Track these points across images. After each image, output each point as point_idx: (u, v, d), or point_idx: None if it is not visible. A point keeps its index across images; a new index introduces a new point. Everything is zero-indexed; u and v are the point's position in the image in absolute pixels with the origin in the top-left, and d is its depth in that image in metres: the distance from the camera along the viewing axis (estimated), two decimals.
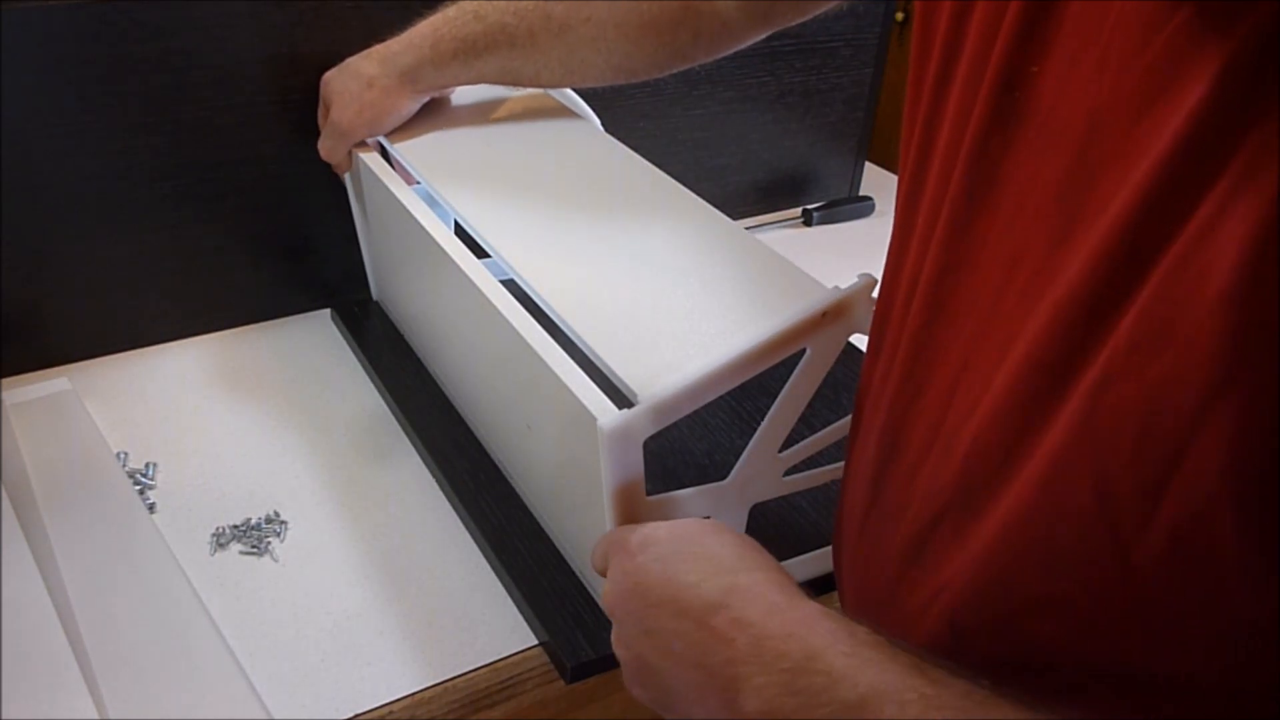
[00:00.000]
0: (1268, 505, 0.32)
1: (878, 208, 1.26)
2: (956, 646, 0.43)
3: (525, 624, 0.68)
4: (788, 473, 0.66)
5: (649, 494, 0.58)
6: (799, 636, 0.40)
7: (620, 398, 0.56)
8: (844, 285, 0.59)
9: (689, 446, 0.82)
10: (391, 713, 0.62)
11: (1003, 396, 0.40)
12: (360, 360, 0.94)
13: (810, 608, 0.42)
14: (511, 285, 0.68)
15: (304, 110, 0.90)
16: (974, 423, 0.42)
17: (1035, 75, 0.39)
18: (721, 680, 0.42)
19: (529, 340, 0.62)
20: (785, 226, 1.22)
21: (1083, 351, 0.37)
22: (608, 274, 0.65)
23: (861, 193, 1.29)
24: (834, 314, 0.58)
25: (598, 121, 0.90)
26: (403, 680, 0.64)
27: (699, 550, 0.47)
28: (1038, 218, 0.40)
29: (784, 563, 0.69)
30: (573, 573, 0.70)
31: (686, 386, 0.55)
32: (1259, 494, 0.32)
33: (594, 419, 0.55)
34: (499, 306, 0.65)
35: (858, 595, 0.54)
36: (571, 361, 0.60)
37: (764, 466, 0.64)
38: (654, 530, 0.49)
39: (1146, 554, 0.35)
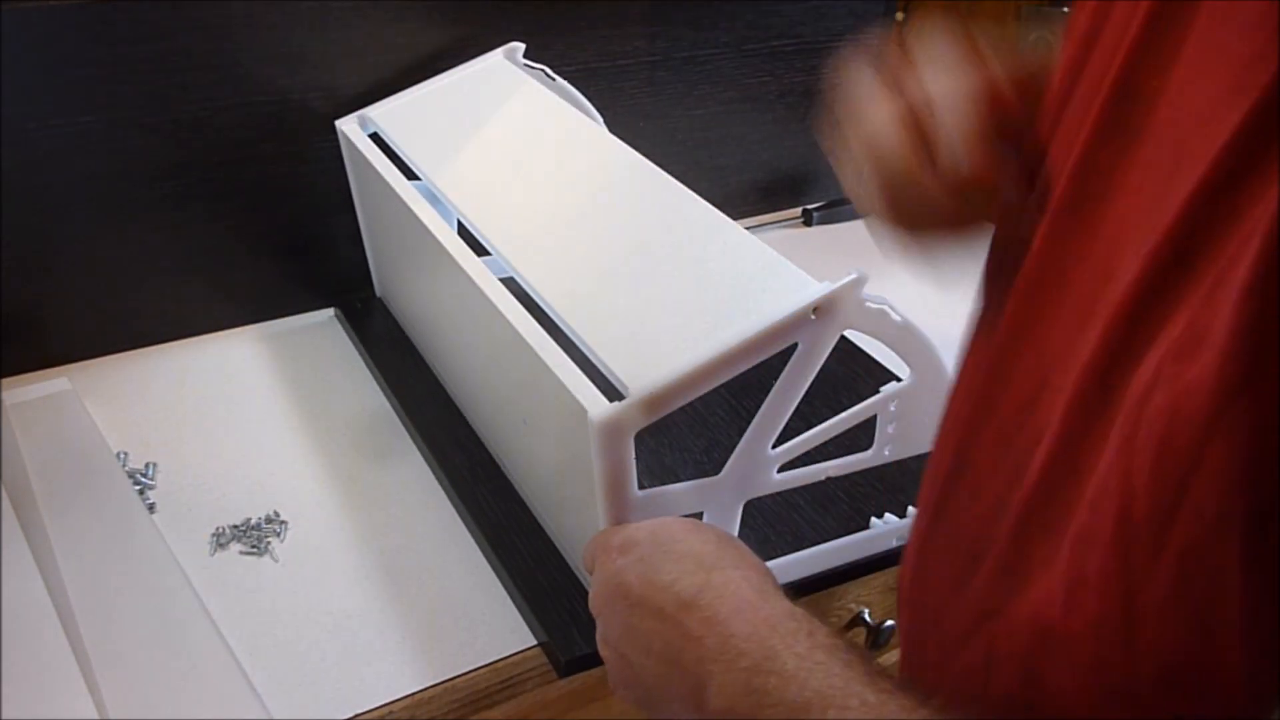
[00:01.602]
0: (1270, 533, 0.30)
1: None
2: (988, 678, 0.41)
3: (525, 624, 0.68)
4: (782, 469, 0.66)
5: (643, 488, 0.58)
6: (759, 636, 0.41)
7: (613, 391, 0.57)
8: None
9: (687, 443, 0.82)
10: (391, 713, 0.62)
11: (1065, 415, 0.38)
12: (363, 358, 0.94)
13: (779, 606, 0.43)
14: (511, 283, 0.68)
15: (304, 110, 0.90)
16: (1044, 446, 0.39)
17: (1155, 89, 0.37)
18: (693, 678, 0.43)
19: (523, 334, 0.62)
20: (785, 226, 1.22)
21: (1128, 362, 0.35)
22: (602, 269, 0.65)
23: None
24: (824, 309, 0.58)
25: (599, 120, 0.90)
26: (403, 680, 0.64)
27: (678, 549, 0.48)
28: (1135, 231, 0.37)
29: (780, 560, 0.69)
30: (568, 568, 0.70)
31: (676, 379, 0.55)
32: (1266, 516, 0.30)
33: (585, 411, 0.55)
34: (495, 301, 0.66)
35: (911, 619, 0.52)
36: (565, 355, 0.61)
37: (756, 462, 0.63)
38: (635, 531, 0.50)
39: (1152, 596, 0.33)
